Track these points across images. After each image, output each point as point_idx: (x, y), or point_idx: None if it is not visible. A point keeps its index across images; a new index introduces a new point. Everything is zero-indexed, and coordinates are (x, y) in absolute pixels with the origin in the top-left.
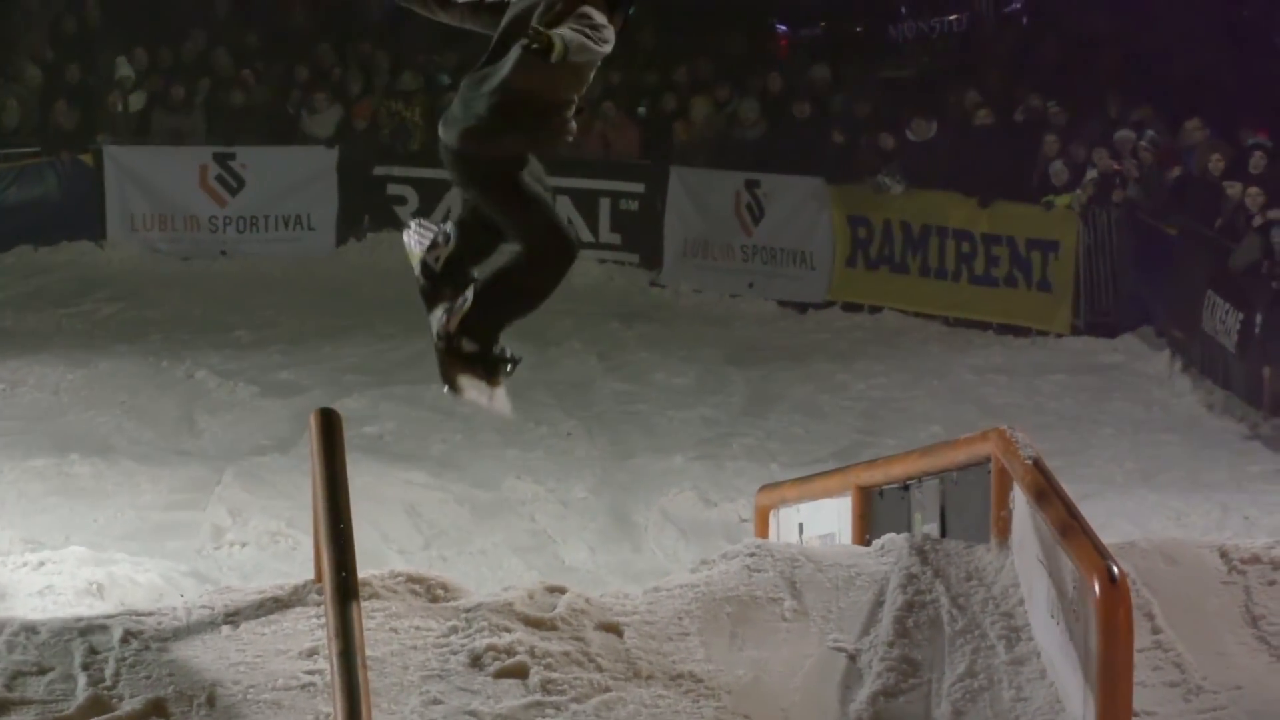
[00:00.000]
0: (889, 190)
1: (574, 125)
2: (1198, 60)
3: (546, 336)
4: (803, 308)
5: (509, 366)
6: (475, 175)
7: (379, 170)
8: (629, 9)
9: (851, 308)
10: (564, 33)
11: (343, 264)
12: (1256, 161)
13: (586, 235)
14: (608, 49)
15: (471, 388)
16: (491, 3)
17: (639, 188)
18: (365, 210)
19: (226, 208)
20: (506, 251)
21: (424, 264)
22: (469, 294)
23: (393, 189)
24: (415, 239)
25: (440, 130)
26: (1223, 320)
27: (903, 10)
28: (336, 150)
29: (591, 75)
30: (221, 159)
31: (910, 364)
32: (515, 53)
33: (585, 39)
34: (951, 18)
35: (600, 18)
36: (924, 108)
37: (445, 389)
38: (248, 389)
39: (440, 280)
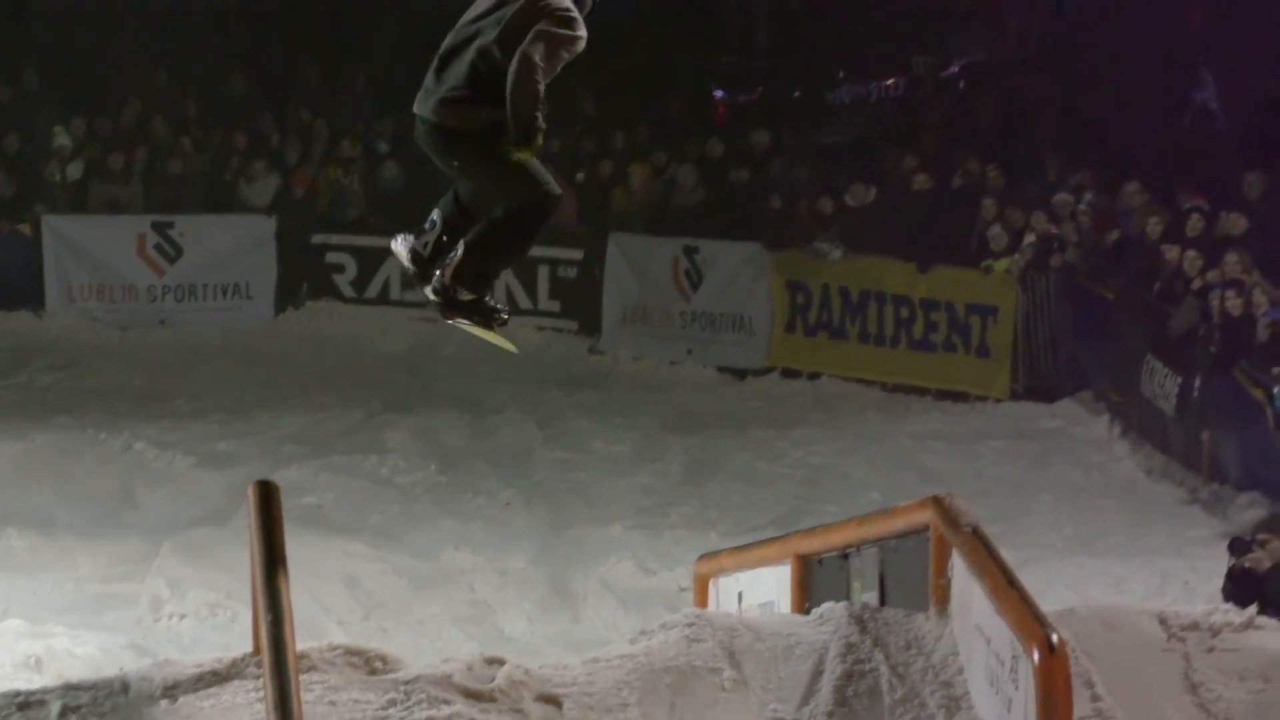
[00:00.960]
0: (827, 256)
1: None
2: (1135, 123)
3: (485, 405)
4: (741, 374)
5: (503, 316)
6: (454, 145)
7: (317, 238)
8: None
9: (790, 374)
10: (534, 112)
11: (281, 333)
12: (1194, 224)
13: (525, 303)
14: (580, 44)
15: (470, 327)
16: None
17: (577, 254)
18: (304, 279)
19: (165, 277)
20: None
21: (413, 251)
22: (460, 248)
23: (331, 257)
24: (402, 240)
25: (416, 105)
26: (1161, 384)
27: (840, 75)
28: (275, 218)
29: (560, 65)
30: (160, 228)
31: (849, 430)
32: (486, 30)
33: (558, 45)
34: (889, 82)
35: (565, 4)
36: (862, 173)
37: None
38: (186, 460)
39: (429, 263)
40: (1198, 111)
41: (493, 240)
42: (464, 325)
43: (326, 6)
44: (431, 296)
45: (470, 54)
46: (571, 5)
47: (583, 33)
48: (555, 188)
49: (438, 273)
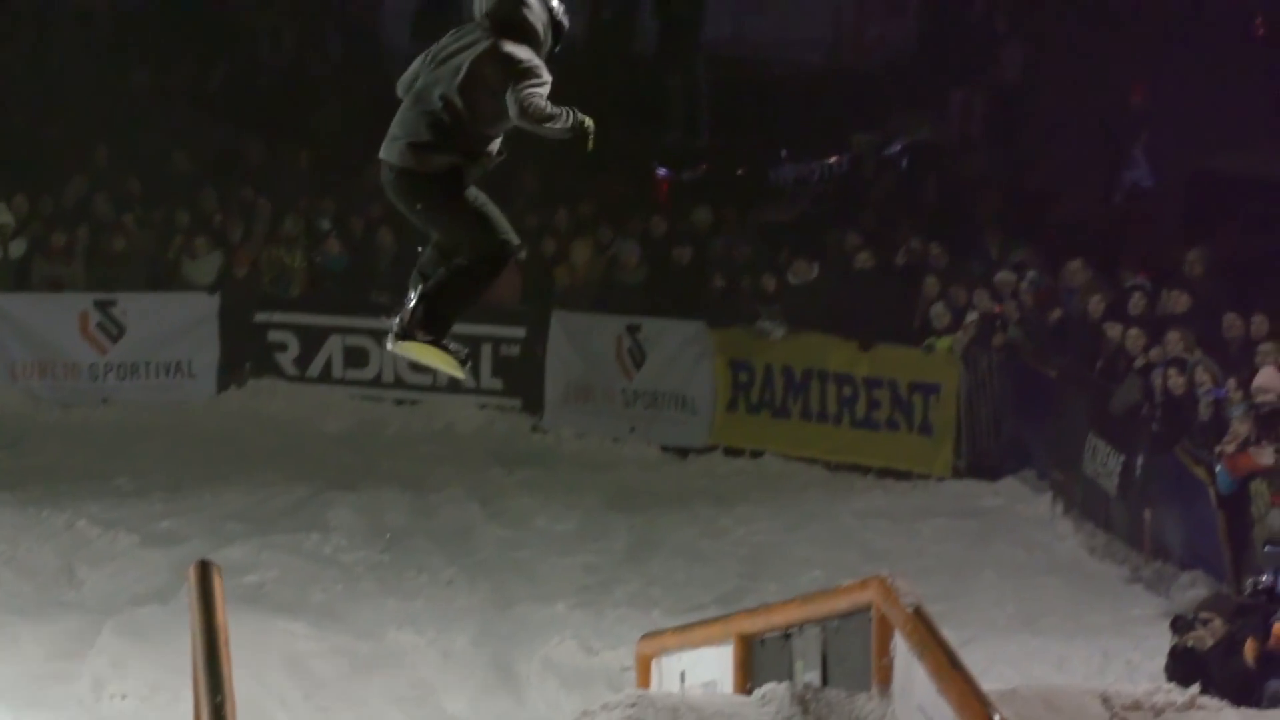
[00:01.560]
0: (770, 334)
1: (499, 152)
2: (1077, 201)
3: (427, 483)
4: (684, 452)
5: (464, 359)
6: (418, 189)
7: (260, 317)
8: (556, 43)
9: (733, 452)
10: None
11: (223, 411)
12: (1136, 302)
13: (467, 381)
14: (549, 84)
15: (418, 354)
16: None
17: (520, 333)
18: (246, 357)
19: (107, 355)
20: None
21: (400, 325)
22: (417, 296)
23: (274, 336)
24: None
25: (382, 152)
26: (1104, 463)
27: (783, 153)
28: (217, 296)
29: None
30: (102, 306)
31: (792, 508)
32: (447, 77)
33: (539, 99)
34: (831, 160)
35: (527, 54)
36: (805, 250)
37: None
38: (128, 538)
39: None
40: (1130, 191)
41: (449, 287)
42: (412, 353)
43: (269, 85)
44: (390, 343)
45: (432, 101)
46: (530, 54)
47: (548, 77)
48: (513, 238)
49: (398, 319)
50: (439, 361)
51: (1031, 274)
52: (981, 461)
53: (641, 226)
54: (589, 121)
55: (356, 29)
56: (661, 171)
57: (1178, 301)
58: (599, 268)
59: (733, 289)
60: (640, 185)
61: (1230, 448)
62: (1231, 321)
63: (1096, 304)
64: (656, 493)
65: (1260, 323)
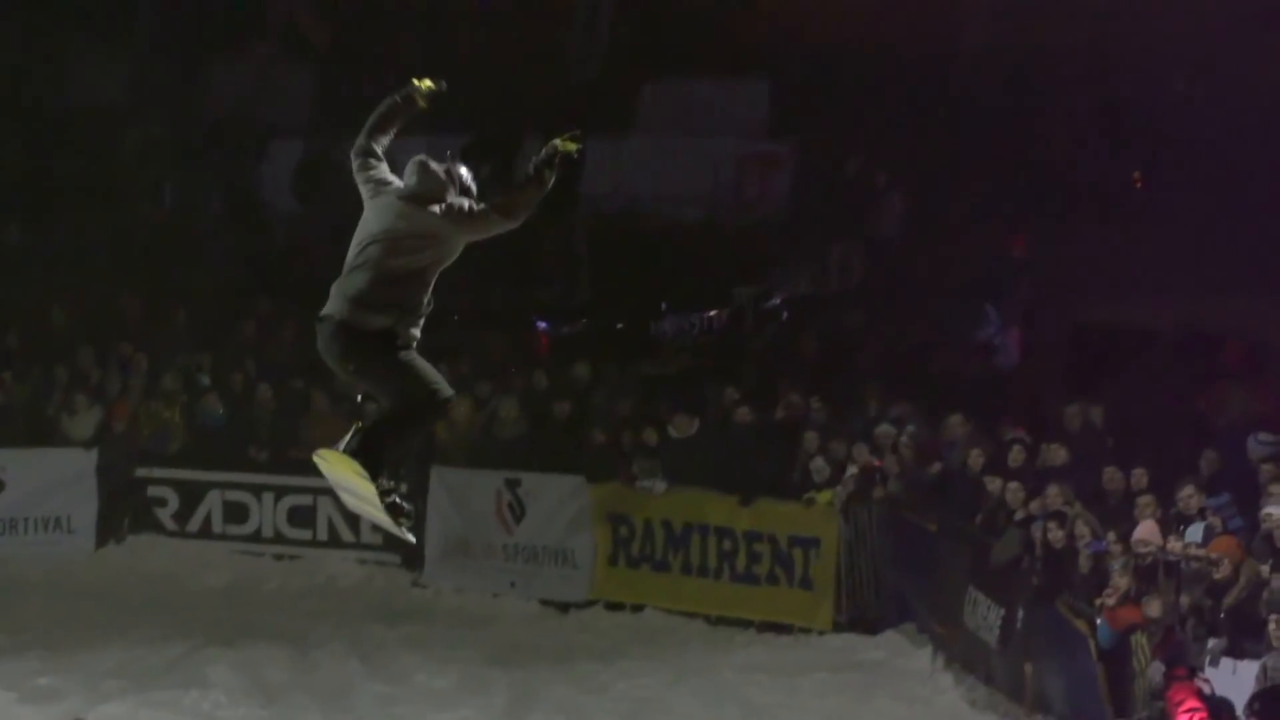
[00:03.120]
0: (650, 489)
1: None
2: (956, 355)
3: (308, 639)
4: (565, 607)
5: (403, 510)
6: (353, 347)
7: (139, 472)
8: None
9: (614, 607)
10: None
11: (103, 567)
12: (1015, 456)
13: (347, 536)
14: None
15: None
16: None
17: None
18: (125, 512)
19: None
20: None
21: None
22: (356, 435)
23: (153, 491)
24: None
25: (325, 309)
26: (984, 616)
27: (663, 307)
28: (96, 452)
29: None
30: None
31: (673, 663)
32: (389, 240)
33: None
34: (711, 314)
35: (456, 200)
36: (685, 405)
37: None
38: (5, 695)
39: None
40: (983, 347)
41: (385, 427)
42: (335, 465)
43: (148, 241)
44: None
45: (375, 261)
46: (458, 199)
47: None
48: (445, 389)
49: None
50: (355, 480)
51: (911, 428)
52: (862, 615)
53: (521, 382)
54: (559, 145)
55: (236, 186)
56: (541, 326)
57: (1056, 455)
58: (478, 423)
59: (613, 444)
60: (519, 341)
61: (1110, 601)
62: (1111, 475)
63: (976, 457)
64: (537, 648)
65: (1139, 476)
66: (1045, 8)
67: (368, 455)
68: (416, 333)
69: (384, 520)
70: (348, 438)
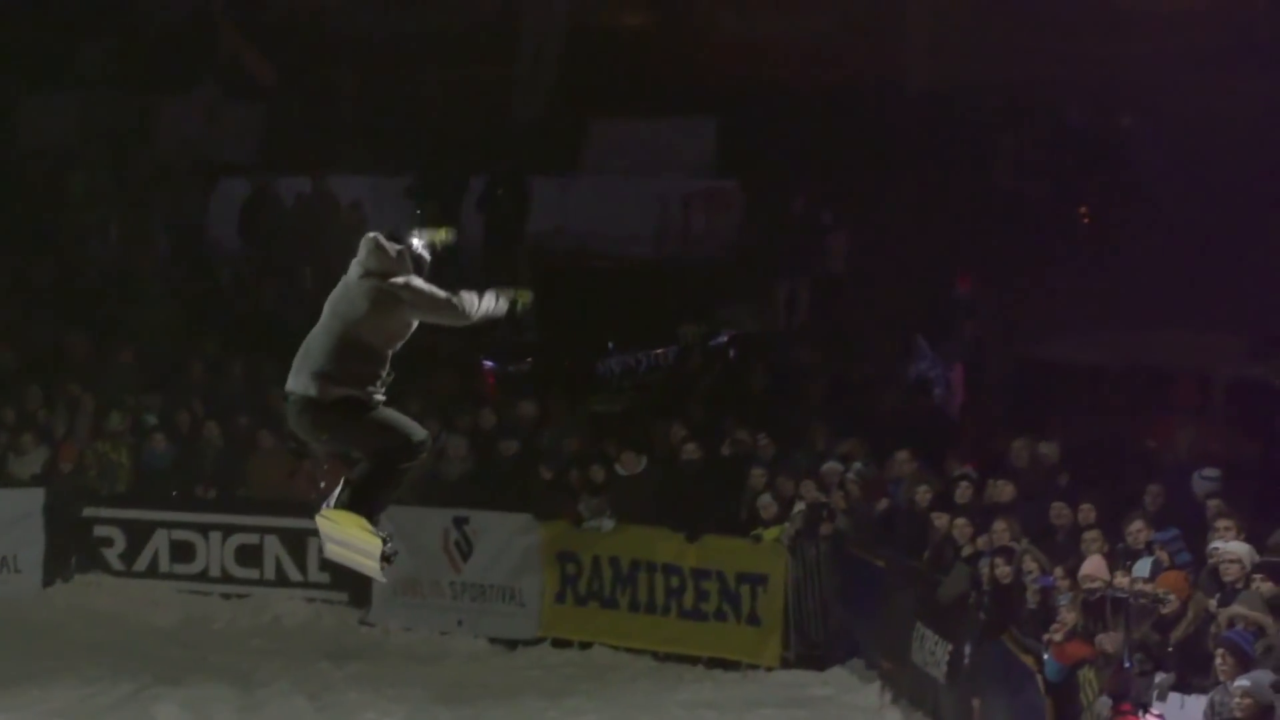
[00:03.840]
0: (597, 527)
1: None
2: (902, 393)
3: (255, 678)
4: (513, 644)
5: (387, 544)
6: (321, 418)
7: (86, 512)
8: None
9: (562, 644)
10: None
11: (49, 606)
12: (963, 492)
13: (294, 575)
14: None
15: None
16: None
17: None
18: (72, 552)
19: None
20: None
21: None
22: (343, 485)
23: (100, 530)
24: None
25: (288, 384)
26: (932, 651)
27: (610, 345)
28: (42, 491)
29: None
30: None
31: (621, 700)
32: (347, 313)
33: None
34: (658, 351)
35: (416, 283)
36: (632, 442)
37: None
38: None
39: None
40: (916, 383)
41: (371, 475)
42: (336, 523)
43: (95, 280)
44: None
45: (334, 335)
46: (416, 281)
47: (441, 292)
48: (418, 433)
49: (325, 504)
50: (359, 536)
51: (858, 464)
52: (810, 651)
53: (468, 420)
54: (520, 298)
55: (182, 226)
56: (488, 365)
57: (1003, 491)
58: (425, 461)
59: (560, 481)
60: (467, 379)
61: (1058, 636)
62: (1059, 510)
63: (923, 494)
64: (485, 685)
65: (1087, 511)
66: (990, 47)
67: (361, 508)
68: (380, 396)
69: (371, 568)
70: (337, 492)
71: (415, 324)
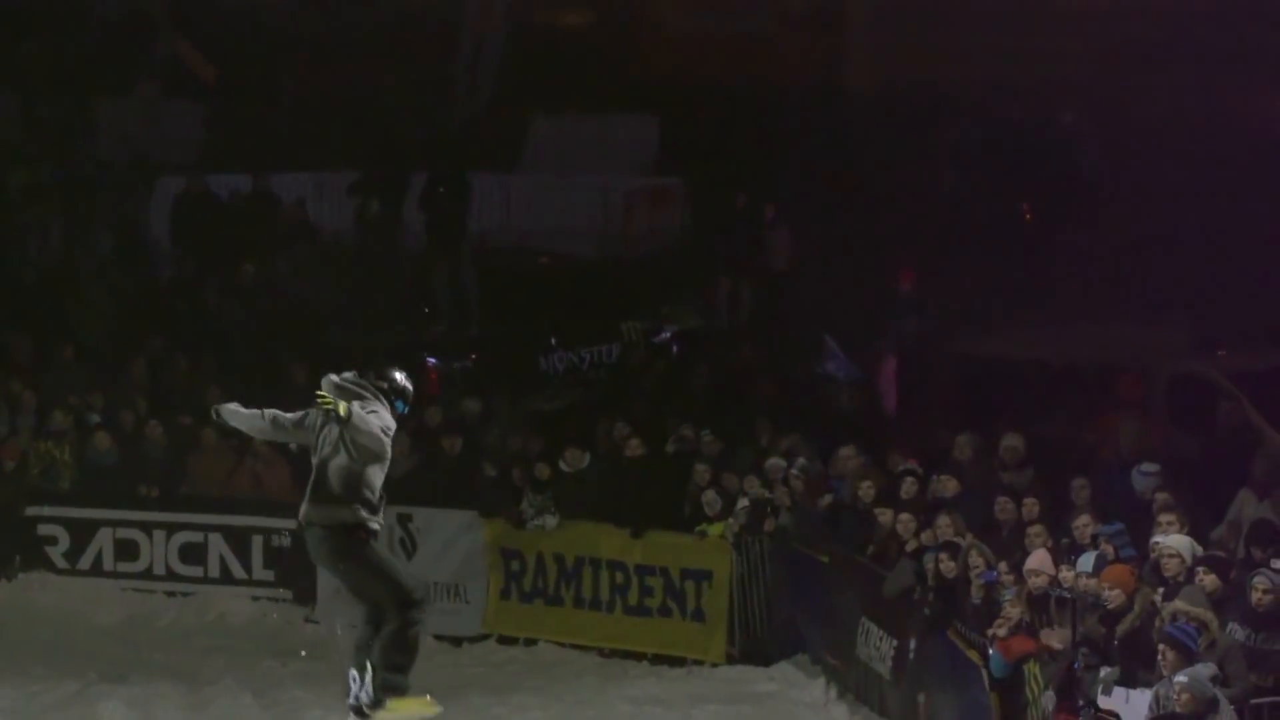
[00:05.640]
0: (542, 524)
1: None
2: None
3: (200, 676)
4: (458, 641)
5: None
6: (339, 545)
7: (30, 511)
8: (406, 404)
9: (507, 640)
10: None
11: None
12: (908, 488)
13: (239, 573)
14: (386, 448)
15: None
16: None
17: (291, 524)
18: (15, 550)
19: None
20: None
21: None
22: (369, 669)
23: (43, 529)
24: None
25: (300, 513)
26: (877, 646)
27: (554, 341)
28: None
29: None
30: None
31: (566, 696)
32: (346, 448)
33: (370, 424)
34: (602, 348)
35: (376, 432)
36: (576, 438)
37: None
38: None
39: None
40: (823, 379)
41: (393, 646)
42: (398, 713)
43: (36, 279)
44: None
45: (334, 466)
46: (376, 431)
47: (386, 448)
48: (417, 592)
49: (364, 699)
50: (418, 709)
51: (802, 460)
52: (755, 647)
53: (412, 418)
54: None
55: (124, 224)
56: (431, 362)
57: (947, 486)
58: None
59: (504, 478)
60: (409, 376)
61: (1002, 631)
62: (1003, 505)
63: (867, 489)
64: (430, 683)
65: (1031, 505)
66: (930, 45)
67: (395, 675)
68: (377, 527)
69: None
70: (366, 679)
71: (383, 454)
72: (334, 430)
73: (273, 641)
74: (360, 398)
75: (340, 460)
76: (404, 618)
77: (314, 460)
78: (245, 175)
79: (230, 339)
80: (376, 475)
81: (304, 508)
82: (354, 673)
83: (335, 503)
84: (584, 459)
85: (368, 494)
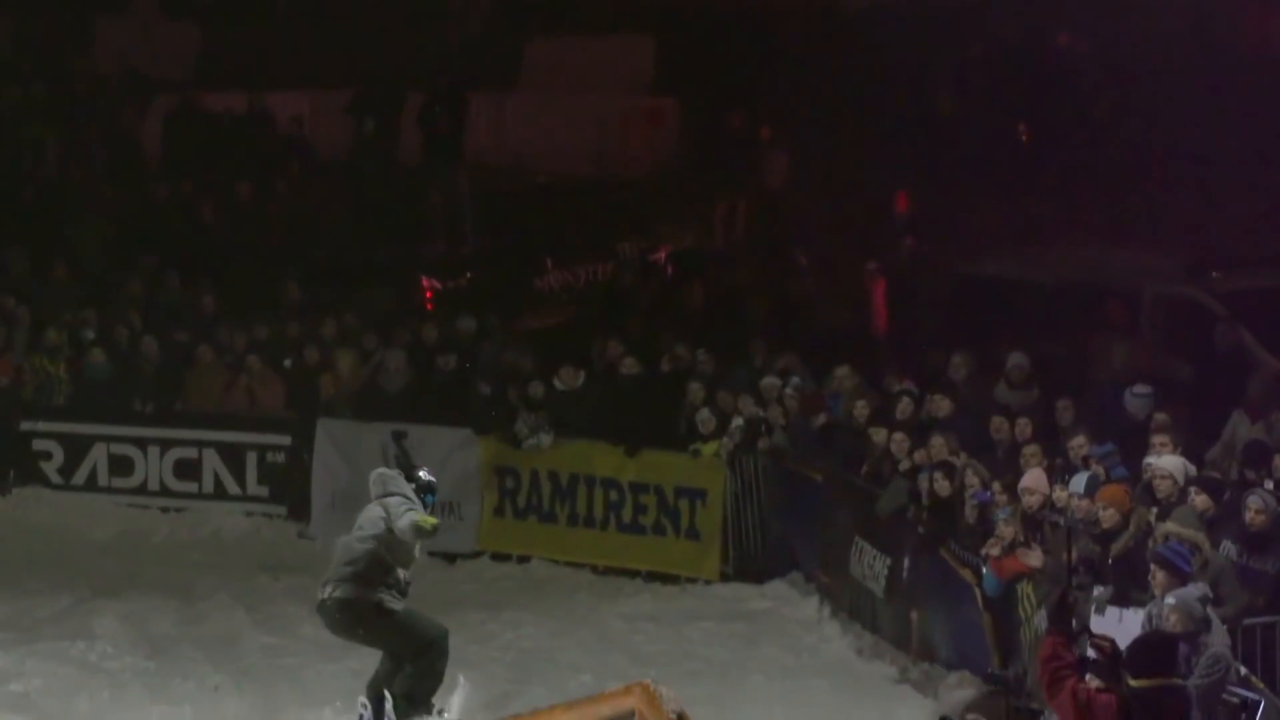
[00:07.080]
0: (537, 442)
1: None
2: (842, 310)
3: (194, 590)
4: (452, 558)
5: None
6: (357, 617)
7: (24, 426)
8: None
9: (500, 557)
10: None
11: None
12: (904, 408)
13: (233, 488)
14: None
15: None
16: None
17: (285, 440)
18: (10, 465)
19: None
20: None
21: None
22: (390, 700)
23: (38, 444)
24: None
25: (320, 592)
26: (870, 565)
27: (549, 261)
28: None
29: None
30: None
31: (559, 613)
32: (370, 530)
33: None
34: (597, 267)
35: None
36: (571, 357)
37: None
38: None
39: None
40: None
41: (418, 681)
42: None
43: (31, 196)
44: None
45: (361, 551)
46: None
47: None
48: (439, 628)
49: None
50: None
51: (796, 379)
52: (748, 565)
53: (405, 336)
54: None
55: (119, 140)
56: (426, 281)
57: (941, 406)
58: (364, 375)
59: (499, 396)
60: (405, 294)
61: (996, 550)
62: (999, 424)
63: (862, 409)
64: (423, 598)
65: (1024, 425)
66: None
67: (417, 707)
68: (398, 606)
69: None
70: (387, 709)
71: (400, 541)
72: (375, 513)
73: (266, 557)
74: (405, 495)
75: (369, 546)
76: (428, 656)
77: (342, 537)
78: (241, 93)
79: (226, 256)
80: (390, 557)
81: (327, 589)
82: (363, 700)
83: (360, 583)
84: (579, 377)
85: (393, 580)
